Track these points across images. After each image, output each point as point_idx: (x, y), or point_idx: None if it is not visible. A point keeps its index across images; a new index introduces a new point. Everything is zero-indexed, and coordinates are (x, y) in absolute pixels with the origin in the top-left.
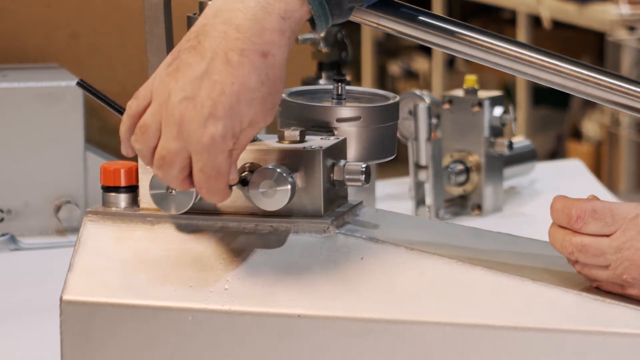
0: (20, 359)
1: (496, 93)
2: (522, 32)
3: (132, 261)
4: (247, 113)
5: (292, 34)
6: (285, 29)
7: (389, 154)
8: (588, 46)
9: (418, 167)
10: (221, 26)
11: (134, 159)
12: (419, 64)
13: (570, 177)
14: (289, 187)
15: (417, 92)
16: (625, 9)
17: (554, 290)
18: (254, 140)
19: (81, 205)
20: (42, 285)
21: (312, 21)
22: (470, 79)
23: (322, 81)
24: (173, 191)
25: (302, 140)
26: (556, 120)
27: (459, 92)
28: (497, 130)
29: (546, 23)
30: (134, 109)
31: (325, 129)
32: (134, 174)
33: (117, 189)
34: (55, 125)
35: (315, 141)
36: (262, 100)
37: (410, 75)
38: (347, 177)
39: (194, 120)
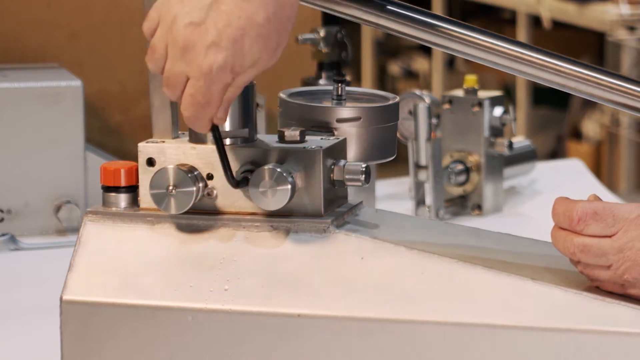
0: (20, 359)
1: (496, 93)
2: (522, 32)
3: (132, 261)
4: (250, 49)
5: None
6: None
7: (389, 155)
8: (588, 46)
9: (418, 167)
10: None
11: (134, 159)
12: (419, 64)
13: (570, 177)
14: (289, 187)
15: (417, 92)
16: (625, 9)
17: (554, 289)
18: (254, 140)
19: (81, 205)
20: (42, 285)
21: None
22: (470, 79)
23: (322, 81)
24: (173, 191)
25: (302, 140)
26: (556, 120)
27: (459, 92)
28: (497, 130)
29: (546, 23)
30: (146, 31)
31: (325, 129)
32: (134, 174)
33: (117, 189)
34: (55, 125)
35: (315, 141)
36: (267, 38)
37: (410, 75)
38: (347, 177)
39: (196, 46)
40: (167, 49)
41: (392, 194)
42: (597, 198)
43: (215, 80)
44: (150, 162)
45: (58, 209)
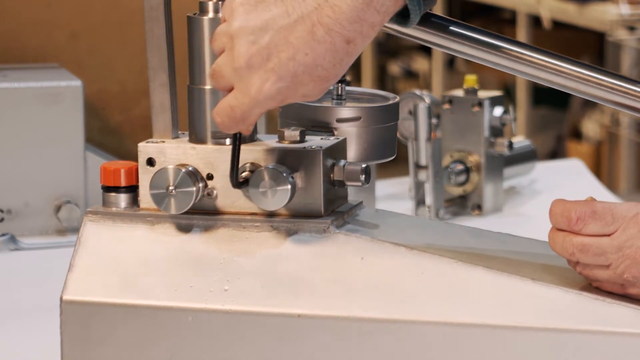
0: (20, 359)
1: (496, 93)
2: (522, 32)
3: (132, 261)
4: (307, 86)
5: (379, 27)
6: (376, 22)
7: (389, 154)
8: (588, 46)
9: (418, 167)
10: None
11: (134, 159)
12: (419, 64)
13: (570, 177)
14: (289, 187)
15: (417, 92)
16: (625, 9)
17: (554, 289)
18: (254, 140)
19: (81, 205)
20: (42, 285)
21: (402, 15)
22: (470, 79)
23: None
24: (173, 191)
25: (302, 140)
26: (556, 120)
27: (459, 92)
28: (497, 130)
29: (546, 23)
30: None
31: (325, 129)
32: (134, 174)
33: (117, 189)
34: (55, 125)
35: (315, 141)
36: (325, 80)
37: (410, 75)
38: (347, 177)
39: (253, 68)
40: (222, 48)
41: (392, 194)
42: (593, 200)
43: (261, 105)
44: (150, 162)
45: (58, 209)
